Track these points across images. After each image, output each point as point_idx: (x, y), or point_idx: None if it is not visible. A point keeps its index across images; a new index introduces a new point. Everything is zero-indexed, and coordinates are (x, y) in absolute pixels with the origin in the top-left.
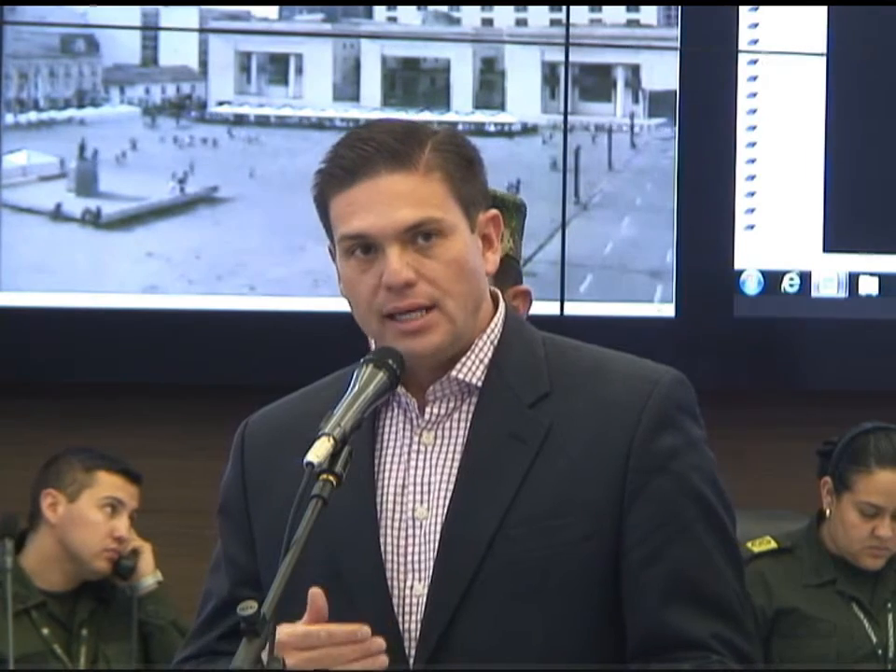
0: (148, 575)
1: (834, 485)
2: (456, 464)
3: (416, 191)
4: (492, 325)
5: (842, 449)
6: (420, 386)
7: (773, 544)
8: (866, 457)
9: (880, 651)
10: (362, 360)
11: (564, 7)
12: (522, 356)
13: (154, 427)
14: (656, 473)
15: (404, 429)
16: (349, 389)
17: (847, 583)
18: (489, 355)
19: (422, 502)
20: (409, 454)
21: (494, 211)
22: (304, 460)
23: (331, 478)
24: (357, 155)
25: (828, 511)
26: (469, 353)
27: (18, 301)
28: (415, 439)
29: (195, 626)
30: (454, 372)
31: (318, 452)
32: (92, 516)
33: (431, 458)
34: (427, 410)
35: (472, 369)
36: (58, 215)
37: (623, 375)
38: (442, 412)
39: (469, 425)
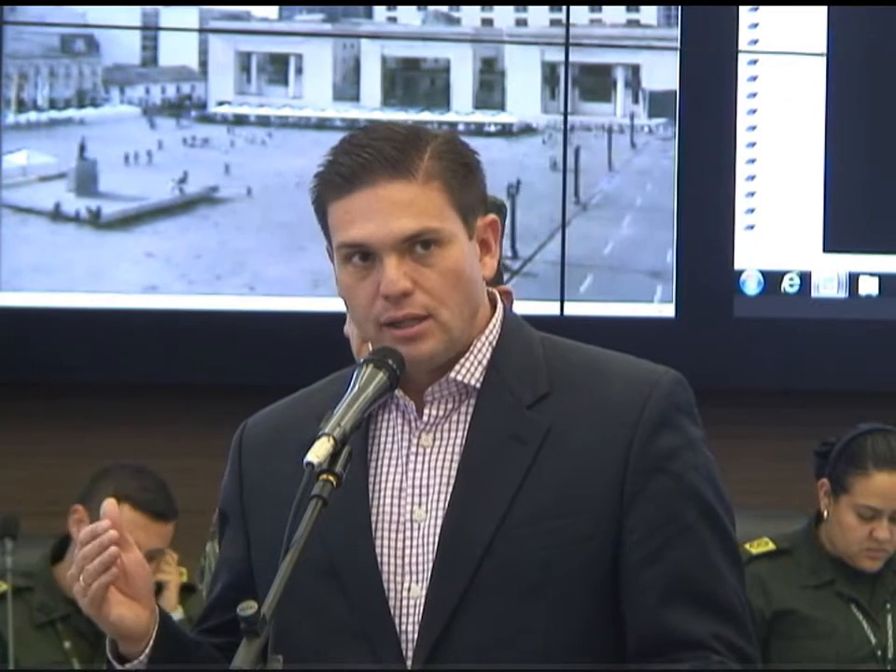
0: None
1: (832, 487)
2: (455, 465)
3: (415, 201)
4: (490, 326)
5: (839, 451)
6: (418, 389)
7: (771, 546)
8: (864, 460)
9: (879, 653)
10: (362, 360)
11: (564, 7)
12: (520, 356)
13: (154, 427)
14: (655, 474)
15: (402, 432)
16: (349, 389)
17: (845, 584)
18: (487, 356)
19: (420, 504)
20: (407, 456)
21: (492, 216)
22: (304, 460)
23: (331, 478)
24: (356, 162)
25: (825, 513)
26: (467, 354)
27: (18, 301)
28: (414, 441)
29: (196, 622)
30: (452, 374)
31: (318, 452)
32: None
33: (430, 460)
34: (426, 411)
35: (471, 370)
36: (58, 215)
37: (622, 376)
38: (441, 413)
39: (467, 426)
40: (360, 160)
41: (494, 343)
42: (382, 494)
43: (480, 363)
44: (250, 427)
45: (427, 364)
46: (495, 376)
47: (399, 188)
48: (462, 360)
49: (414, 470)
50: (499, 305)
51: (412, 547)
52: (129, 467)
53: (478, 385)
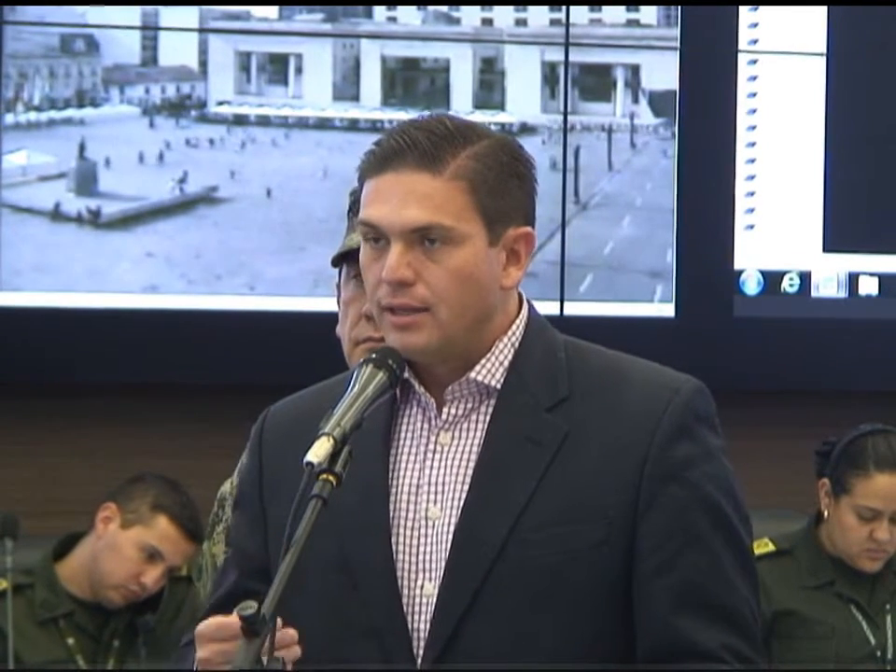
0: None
1: (832, 488)
2: (472, 465)
3: (433, 195)
4: (513, 327)
5: (840, 452)
6: (440, 386)
7: (771, 547)
8: (865, 461)
9: (879, 653)
10: (363, 360)
11: (563, 7)
12: (542, 359)
13: (153, 427)
14: (671, 482)
15: (422, 429)
16: (349, 389)
17: (845, 585)
18: (509, 357)
19: (436, 502)
20: (425, 453)
21: (528, 229)
22: (304, 460)
23: (331, 478)
24: (392, 146)
25: (825, 513)
26: (488, 354)
27: (18, 300)
28: (432, 438)
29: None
30: (472, 374)
31: (318, 452)
32: (129, 552)
33: (447, 459)
34: (445, 410)
35: (492, 371)
36: (57, 214)
37: (642, 382)
38: (460, 412)
39: (486, 427)
40: (396, 144)
41: (517, 344)
42: (399, 490)
43: (501, 364)
44: (271, 417)
45: (418, 356)
46: (515, 378)
47: (421, 179)
48: (483, 361)
49: (431, 468)
50: (524, 307)
51: (426, 545)
52: (165, 479)
53: (498, 386)
